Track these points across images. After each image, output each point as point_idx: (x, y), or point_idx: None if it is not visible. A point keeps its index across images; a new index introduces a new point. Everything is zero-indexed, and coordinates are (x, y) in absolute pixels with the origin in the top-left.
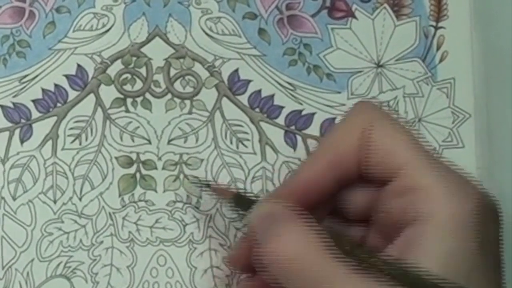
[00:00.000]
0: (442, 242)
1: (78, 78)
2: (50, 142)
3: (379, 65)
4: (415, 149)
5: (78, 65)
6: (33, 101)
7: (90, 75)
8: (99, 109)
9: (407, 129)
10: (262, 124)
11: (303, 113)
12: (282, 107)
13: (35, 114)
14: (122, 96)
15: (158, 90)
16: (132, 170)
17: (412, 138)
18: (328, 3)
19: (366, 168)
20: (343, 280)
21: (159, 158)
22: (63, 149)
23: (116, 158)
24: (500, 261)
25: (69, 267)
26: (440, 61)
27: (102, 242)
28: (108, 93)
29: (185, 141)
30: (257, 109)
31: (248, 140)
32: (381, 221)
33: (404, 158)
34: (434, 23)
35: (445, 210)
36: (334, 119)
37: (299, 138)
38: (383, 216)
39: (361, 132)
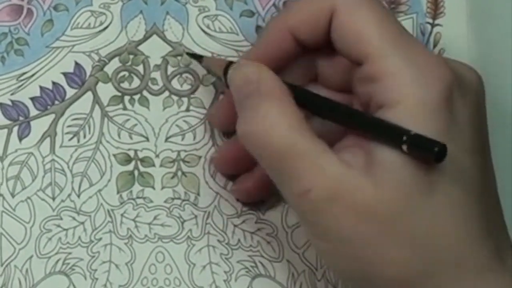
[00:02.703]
0: (409, 127)
1: (76, 76)
2: (48, 140)
3: None
4: (385, 33)
5: (76, 63)
6: (31, 98)
7: (88, 73)
8: (97, 107)
9: (381, 10)
10: None
11: None
12: None
13: (33, 111)
14: (119, 94)
15: (155, 87)
16: (130, 167)
17: (385, 20)
18: None
19: (337, 48)
20: (319, 159)
21: (157, 156)
22: (61, 146)
23: (114, 155)
24: (484, 136)
25: (68, 263)
26: None
27: (100, 239)
28: (106, 91)
29: (182, 139)
30: None
31: None
32: (357, 100)
33: (372, 43)
34: (430, 21)
35: (411, 96)
36: None
37: None
38: (357, 97)
39: (331, 9)
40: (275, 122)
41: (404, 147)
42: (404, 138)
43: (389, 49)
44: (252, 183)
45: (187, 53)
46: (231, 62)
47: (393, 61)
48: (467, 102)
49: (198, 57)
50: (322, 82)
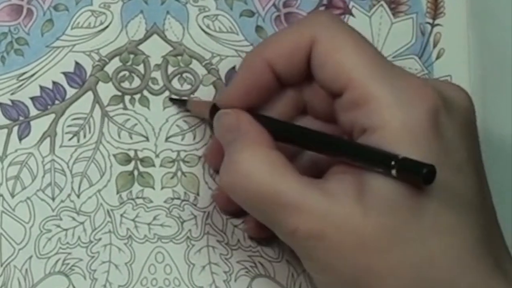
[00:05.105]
0: (395, 150)
1: (76, 76)
2: (48, 140)
3: None
4: (365, 60)
5: (76, 63)
6: (31, 98)
7: (88, 73)
8: (97, 107)
9: (360, 38)
10: None
11: None
12: None
13: (33, 111)
14: (120, 94)
15: (156, 87)
16: (130, 167)
17: (365, 49)
18: (325, 1)
19: (318, 80)
20: (301, 198)
21: (157, 156)
22: (61, 146)
23: (114, 155)
24: (476, 155)
25: (68, 264)
26: (437, 58)
27: (100, 239)
28: (106, 91)
29: (182, 139)
30: None
31: None
32: (341, 130)
33: (353, 71)
34: (430, 21)
35: (394, 119)
36: None
37: None
38: (340, 126)
39: (309, 42)
40: (252, 170)
41: (393, 172)
42: (393, 163)
43: (370, 75)
44: (255, 223)
45: (170, 99)
46: (214, 105)
47: (375, 86)
48: (456, 123)
49: (181, 102)
50: (311, 114)
